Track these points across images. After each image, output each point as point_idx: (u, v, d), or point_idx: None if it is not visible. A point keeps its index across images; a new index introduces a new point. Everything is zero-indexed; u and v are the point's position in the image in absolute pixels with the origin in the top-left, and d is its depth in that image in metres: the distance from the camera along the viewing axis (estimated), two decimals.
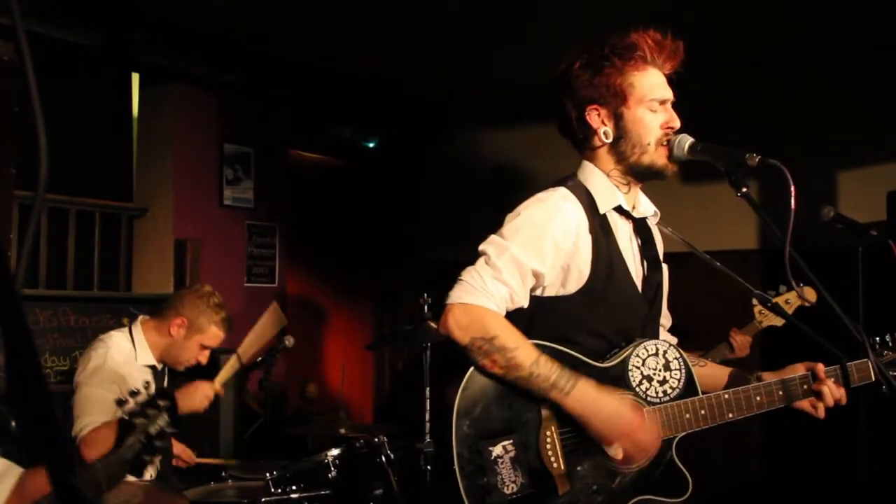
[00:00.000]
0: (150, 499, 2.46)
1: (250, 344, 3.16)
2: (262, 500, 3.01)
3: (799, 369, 2.02)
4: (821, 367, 2.00)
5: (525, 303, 1.92)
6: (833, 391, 1.98)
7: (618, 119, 1.96)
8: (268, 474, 3.10)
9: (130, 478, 2.86)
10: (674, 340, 2.14)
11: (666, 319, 2.17)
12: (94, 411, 2.74)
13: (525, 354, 1.81)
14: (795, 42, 4.55)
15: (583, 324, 1.93)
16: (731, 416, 1.94)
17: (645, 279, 2.03)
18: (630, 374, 1.91)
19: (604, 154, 2.00)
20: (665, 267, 2.11)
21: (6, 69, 3.86)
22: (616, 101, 1.95)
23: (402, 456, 3.69)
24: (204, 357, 3.12)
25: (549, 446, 1.85)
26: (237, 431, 4.23)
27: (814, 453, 4.27)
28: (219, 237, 5.12)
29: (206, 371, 3.00)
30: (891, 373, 1.98)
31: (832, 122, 4.55)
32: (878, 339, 2.08)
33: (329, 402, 5.69)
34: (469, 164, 5.90)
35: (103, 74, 4.84)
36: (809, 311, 2.95)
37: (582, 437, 1.87)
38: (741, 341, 3.27)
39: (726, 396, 1.94)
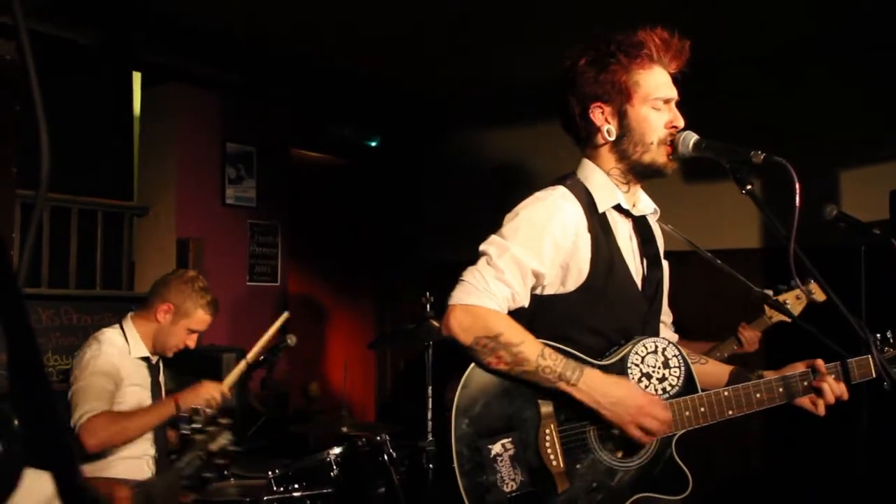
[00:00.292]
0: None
1: (259, 347, 3.19)
2: (265, 498, 3.01)
3: (799, 367, 2.02)
4: (821, 363, 2.00)
5: (526, 302, 1.92)
6: (833, 387, 1.98)
7: (621, 117, 1.95)
8: (270, 473, 3.11)
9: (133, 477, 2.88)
10: (674, 338, 2.15)
11: (667, 316, 2.17)
12: (92, 399, 2.77)
13: (531, 348, 1.82)
14: (796, 42, 4.55)
15: (582, 322, 1.93)
16: (730, 413, 1.94)
17: (644, 277, 2.03)
18: (629, 371, 1.91)
19: (605, 152, 2.00)
20: (665, 264, 2.11)
21: (7, 68, 3.87)
22: (620, 98, 1.94)
23: (404, 454, 3.70)
24: (192, 341, 3.13)
25: (548, 444, 1.85)
26: (238, 430, 4.23)
27: (814, 450, 4.27)
28: (221, 236, 5.13)
29: (208, 372, 3.00)
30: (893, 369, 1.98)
31: (833, 121, 4.56)
32: (878, 335, 2.08)
33: (331, 401, 5.70)
34: (469, 164, 5.90)
35: (104, 73, 4.85)
36: (813, 309, 2.96)
37: (581, 435, 1.88)
38: (750, 336, 3.27)
39: (726, 394, 1.94)
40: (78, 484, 0.73)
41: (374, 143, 6.35)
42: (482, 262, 1.89)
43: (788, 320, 3.16)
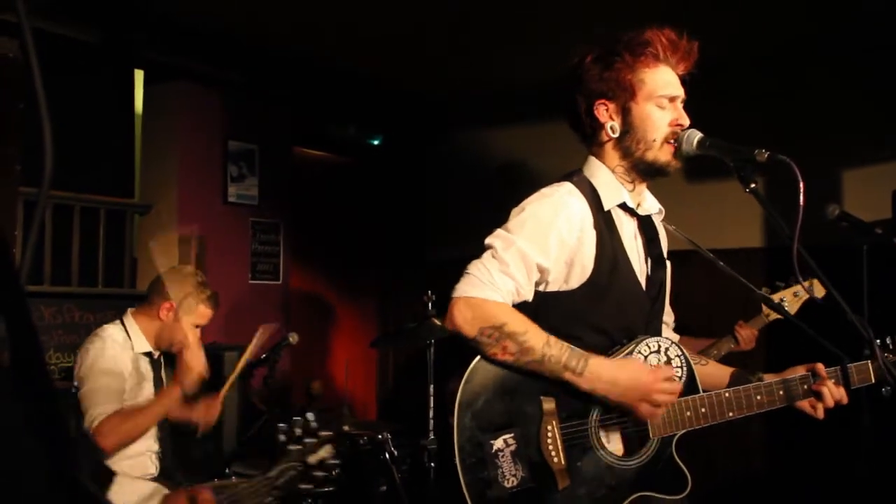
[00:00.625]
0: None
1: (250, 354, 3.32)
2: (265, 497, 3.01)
3: (800, 371, 2.03)
4: (821, 367, 2.01)
5: (530, 296, 1.93)
6: (833, 392, 1.98)
7: (625, 114, 1.96)
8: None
9: (134, 474, 2.89)
10: (676, 338, 2.15)
11: (669, 317, 2.17)
12: (102, 401, 2.80)
13: (535, 337, 1.83)
14: (797, 42, 4.55)
15: (586, 319, 1.94)
16: (731, 414, 1.94)
17: (648, 276, 2.03)
18: None
19: (610, 149, 2.01)
20: (668, 264, 2.11)
21: (10, 66, 3.87)
22: (625, 95, 1.95)
23: (406, 453, 3.70)
24: (196, 335, 3.17)
25: (549, 441, 1.85)
26: (241, 428, 4.23)
27: (815, 453, 4.27)
28: (223, 234, 5.13)
29: (209, 369, 3.01)
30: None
31: (835, 121, 4.55)
32: (878, 341, 2.07)
33: (333, 399, 5.70)
34: (470, 164, 5.91)
35: (106, 71, 4.84)
36: (814, 309, 2.96)
37: (583, 433, 1.88)
38: (747, 335, 3.28)
39: (727, 395, 1.94)
40: (80, 480, 0.73)
41: (376, 142, 6.35)
42: (487, 255, 1.89)
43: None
